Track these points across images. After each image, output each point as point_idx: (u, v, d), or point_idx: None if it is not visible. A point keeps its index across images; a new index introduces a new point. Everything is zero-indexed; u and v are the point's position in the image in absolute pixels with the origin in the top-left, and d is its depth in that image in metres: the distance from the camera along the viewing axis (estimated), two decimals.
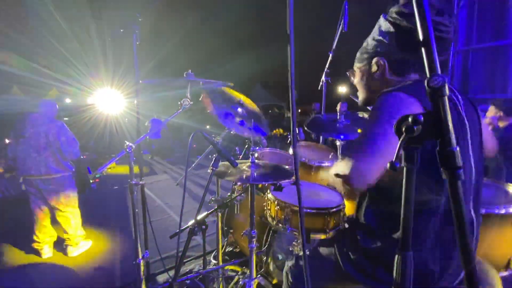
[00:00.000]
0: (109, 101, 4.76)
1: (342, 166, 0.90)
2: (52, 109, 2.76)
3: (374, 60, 1.04)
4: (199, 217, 1.37)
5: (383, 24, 1.02)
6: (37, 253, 2.72)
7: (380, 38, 1.02)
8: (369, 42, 1.08)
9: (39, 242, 2.71)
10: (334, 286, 1.13)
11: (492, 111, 3.05)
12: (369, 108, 1.36)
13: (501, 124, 3.01)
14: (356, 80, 1.17)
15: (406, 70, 1.01)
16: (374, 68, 1.05)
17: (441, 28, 0.91)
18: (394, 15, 0.98)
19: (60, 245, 2.83)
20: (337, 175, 0.91)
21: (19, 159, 2.61)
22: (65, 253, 2.78)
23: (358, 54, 1.14)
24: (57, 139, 2.64)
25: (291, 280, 1.23)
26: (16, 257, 2.76)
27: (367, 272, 1.01)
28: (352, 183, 0.86)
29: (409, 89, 0.89)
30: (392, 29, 0.98)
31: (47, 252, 2.74)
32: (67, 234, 2.77)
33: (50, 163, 2.63)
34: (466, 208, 0.92)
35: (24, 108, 2.83)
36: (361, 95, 1.18)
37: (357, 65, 1.15)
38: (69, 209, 2.77)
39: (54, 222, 2.79)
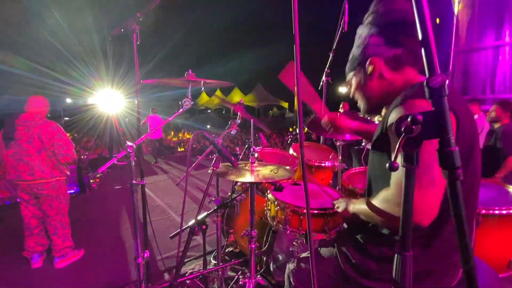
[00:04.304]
0: (110, 101, 4.76)
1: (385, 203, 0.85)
2: (42, 107, 2.53)
3: (368, 61, 0.98)
4: (199, 217, 1.37)
5: (361, 30, 1.02)
6: (27, 261, 2.60)
7: (364, 42, 0.99)
8: (355, 52, 1.04)
9: (28, 251, 2.58)
10: (335, 287, 1.13)
11: (497, 111, 3.07)
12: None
13: (501, 123, 3.05)
14: (353, 89, 1.10)
15: (401, 65, 0.96)
16: (370, 68, 0.98)
17: None
18: (371, 17, 0.98)
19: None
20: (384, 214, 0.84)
21: (8, 164, 2.43)
22: (52, 264, 2.59)
23: (348, 65, 1.09)
24: (52, 141, 2.47)
25: (293, 283, 1.23)
26: (9, 260, 2.69)
27: (368, 273, 1.01)
28: (422, 220, 0.74)
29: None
30: (373, 30, 0.97)
31: (37, 262, 2.59)
32: (54, 244, 2.60)
33: (44, 167, 2.46)
34: (475, 212, 0.93)
35: (12, 107, 2.59)
36: (363, 104, 1.10)
37: (350, 75, 1.09)
38: (59, 217, 2.60)
39: (45, 230, 2.64)
